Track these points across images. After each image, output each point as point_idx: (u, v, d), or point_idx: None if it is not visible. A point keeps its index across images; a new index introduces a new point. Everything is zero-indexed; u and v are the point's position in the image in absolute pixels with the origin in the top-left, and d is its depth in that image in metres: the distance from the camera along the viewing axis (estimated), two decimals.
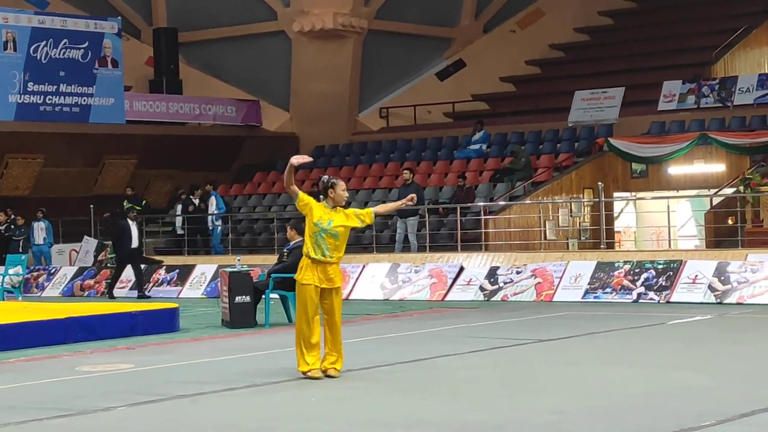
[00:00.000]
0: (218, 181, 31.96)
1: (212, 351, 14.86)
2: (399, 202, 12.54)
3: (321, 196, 11.85)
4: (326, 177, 12.03)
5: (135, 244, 24.61)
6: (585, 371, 12.03)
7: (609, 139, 28.73)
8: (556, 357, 13.37)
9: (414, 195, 12.35)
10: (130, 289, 25.15)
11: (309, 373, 11.61)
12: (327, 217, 11.68)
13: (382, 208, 13.09)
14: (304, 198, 11.72)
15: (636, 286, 20.57)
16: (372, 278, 23.51)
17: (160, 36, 35.13)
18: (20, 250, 27.95)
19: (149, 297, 24.16)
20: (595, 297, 20.74)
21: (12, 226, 29.11)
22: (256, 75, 35.84)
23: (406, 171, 26.97)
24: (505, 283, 21.95)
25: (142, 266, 25.17)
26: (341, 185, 11.77)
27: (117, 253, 25.53)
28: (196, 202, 29.67)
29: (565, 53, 37.51)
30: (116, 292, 24.88)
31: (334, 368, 11.74)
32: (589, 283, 21.02)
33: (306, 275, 11.78)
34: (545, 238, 26.37)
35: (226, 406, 10.38)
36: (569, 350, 14.02)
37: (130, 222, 24.64)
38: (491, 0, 37.49)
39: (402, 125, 35.49)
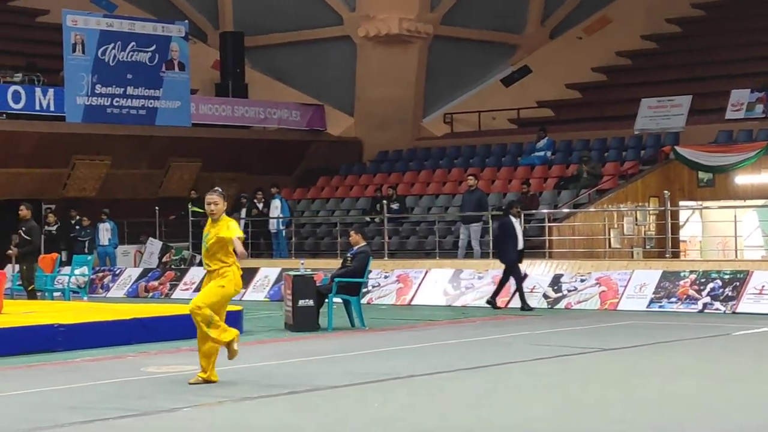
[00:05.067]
0: (282, 184, 32.09)
1: (275, 354, 14.92)
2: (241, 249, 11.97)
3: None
4: None
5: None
6: (649, 382, 11.94)
7: (675, 147, 28.49)
8: (620, 367, 13.28)
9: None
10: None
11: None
12: (206, 230, 12.03)
13: (239, 244, 11.92)
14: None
15: (702, 296, 20.38)
16: (435, 284, 23.49)
17: (227, 40, 35.37)
18: (86, 250, 28.24)
19: None
20: (660, 306, 20.57)
21: (78, 227, 29.43)
22: (321, 79, 35.97)
23: (470, 177, 26.94)
24: (568, 290, 21.84)
25: None
26: (206, 200, 11.90)
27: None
28: (260, 206, 29.85)
29: (631, 60, 37.26)
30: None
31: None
32: (654, 293, 20.85)
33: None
34: (609, 247, 26.22)
35: (288, 409, 10.42)
36: (633, 360, 13.92)
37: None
38: (558, 6, 37.36)
39: (466, 131, 35.45)
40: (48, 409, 10.50)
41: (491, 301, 21.40)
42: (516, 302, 21.31)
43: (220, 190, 12.15)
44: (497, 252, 22.21)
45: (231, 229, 11.84)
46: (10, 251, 22.91)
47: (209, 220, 11.96)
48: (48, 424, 9.71)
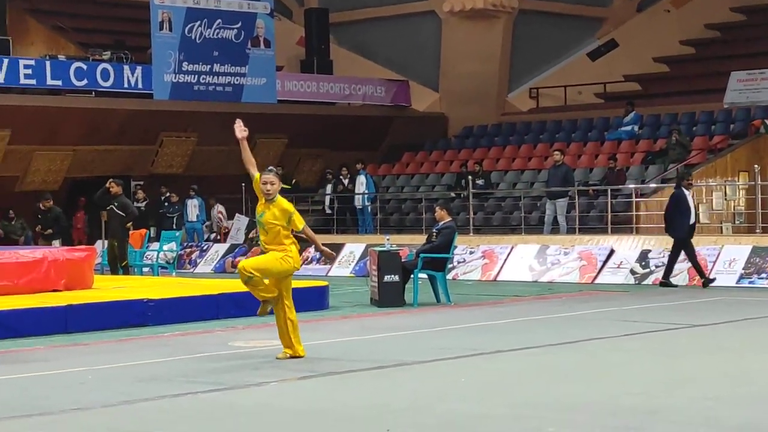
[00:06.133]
0: (367, 160, 32.12)
1: (361, 329, 14.98)
2: (320, 244, 12.19)
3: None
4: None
5: None
6: (738, 358, 11.79)
7: (766, 120, 28.03)
8: (709, 343, 13.14)
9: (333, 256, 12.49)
10: None
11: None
12: (260, 210, 11.75)
13: (310, 231, 12.21)
14: (257, 181, 11.79)
15: None
16: (520, 260, 23.43)
17: (312, 16, 35.45)
18: (174, 227, 28.54)
19: None
20: (750, 282, 20.32)
21: (166, 204, 29.76)
22: (406, 55, 35.90)
23: (556, 152, 26.76)
24: (656, 266, 21.65)
25: None
26: (261, 179, 11.68)
27: None
28: (345, 182, 29.93)
29: (720, 33, 36.67)
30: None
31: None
32: (743, 268, 20.60)
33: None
34: (698, 222, 25.88)
35: (375, 385, 10.45)
36: (723, 336, 13.76)
37: None
38: None
39: (552, 106, 35.18)
40: (138, 383, 10.63)
41: (665, 282, 20.64)
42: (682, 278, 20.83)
43: (275, 169, 12.02)
44: (667, 226, 21.26)
45: (299, 220, 11.68)
46: (128, 226, 22.78)
47: (262, 199, 11.69)
48: (138, 398, 9.84)
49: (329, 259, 12.94)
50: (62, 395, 10.10)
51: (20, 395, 10.25)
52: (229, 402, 9.78)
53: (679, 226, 20.58)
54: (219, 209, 30.54)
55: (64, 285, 17.10)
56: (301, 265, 23.67)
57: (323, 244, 12.28)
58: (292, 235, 11.75)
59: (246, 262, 11.69)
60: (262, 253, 11.95)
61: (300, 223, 11.68)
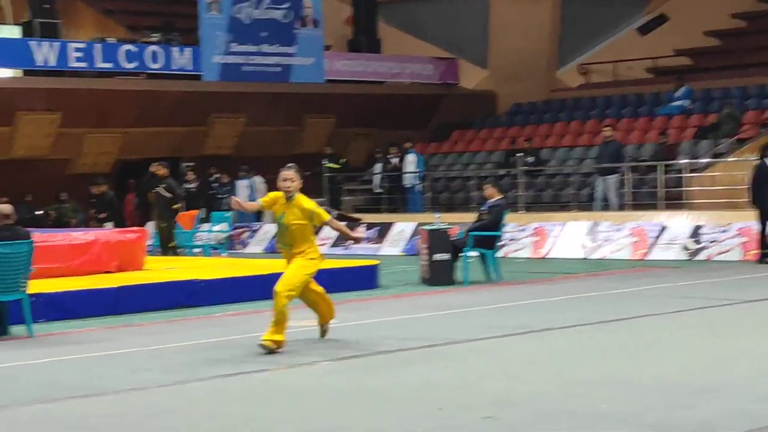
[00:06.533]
0: (415, 139, 32.09)
1: (412, 308, 14.98)
2: (347, 230, 12.30)
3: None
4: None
5: None
6: None
7: None
8: (763, 318, 13.02)
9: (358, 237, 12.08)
10: None
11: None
12: (279, 211, 11.39)
13: (335, 224, 12.00)
14: (266, 200, 11.65)
15: None
16: (571, 237, 23.32)
17: None
18: (225, 207, 28.63)
19: None
20: None
21: (216, 185, 29.87)
22: (454, 33, 35.78)
23: (606, 128, 26.62)
24: (709, 242, 21.48)
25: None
26: (281, 176, 11.35)
27: None
28: (394, 160, 29.91)
29: None
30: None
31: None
32: None
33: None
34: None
35: (425, 364, 10.45)
36: None
37: None
38: None
39: (601, 81, 34.95)
40: (190, 363, 10.71)
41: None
42: None
43: (296, 166, 11.49)
44: (753, 197, 20.27)
45: (322, 212, 11.41)
46: (176, 207, 22.89)
47: (280, 199, 11.32)
48: (190, 378, 9.91)
49: (357, 242, 12.98)
50: (117, 375, 10.20)
51: (77, 376, 10.38)
52: (280, 382, 9.83)
53: (767, 197, 19.90)
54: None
55: (116, 266, 17.25)
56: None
57: (369, 224, 12.28)
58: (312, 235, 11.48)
59: (283, 285, 11.19)
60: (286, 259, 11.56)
61: (324, 215, 11.42)
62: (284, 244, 11.49)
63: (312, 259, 11.40)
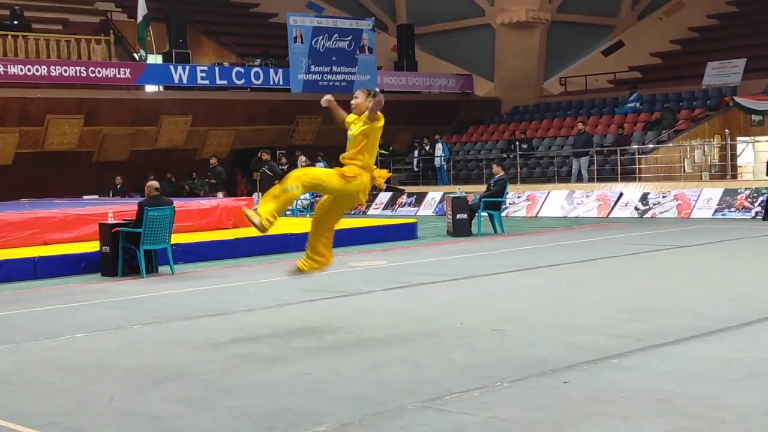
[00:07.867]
0: (443, 132, 31.98)
1: (441, 253, 14.98)
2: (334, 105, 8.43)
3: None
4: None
5: None
6: (715, 269, 11.60)
7: (734, 97, 27.29)
8: (693, 258, 12.92)
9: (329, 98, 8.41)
10: None
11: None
12: (350, 122, 8.35)
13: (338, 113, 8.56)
14: (350, 119, 8.36)
15: (753, 206, 19.63)
16: (554, 201, 23.20)
17: (402, 30, 35.14)
18: None
19: None
20: (722, 215, 19.90)
21: (301, 165, 29.87)
22: (470, 56, 35.54)
23: (579, 123, 26.43)
24: (654, 204, 21.30)
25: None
26: (354, 97, 8.32)
27: None
28: (427, 148, 29.83)
29: (700, 34, 35.63)
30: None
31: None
32: (717, 204, 20.17)
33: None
34: (684, 172, 25.38)
35: (451, 292, 10.47)
36: (703, 253, 13.52)
37: None
38: None
39: (576, 90, 34.61)
40: (284, 292, 10.79)
41: None
42: None
43: (369, 89, 8.48)
44: None
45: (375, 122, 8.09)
46: (276, 181, 22.90)
47: (352, 116, 8.30)
48: (286, 302, 9.97)
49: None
50: (234, 300, 10.30)
51: (206, 301, 10.49)
52: (350, 303, 9.89)
53: None
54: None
55: (232, 224, 17.36)
56: (400, 207, 23.12)
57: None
58: (369, 158, 8.16)
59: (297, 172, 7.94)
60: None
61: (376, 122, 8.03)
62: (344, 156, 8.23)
63: (347, 174, 7.97)
